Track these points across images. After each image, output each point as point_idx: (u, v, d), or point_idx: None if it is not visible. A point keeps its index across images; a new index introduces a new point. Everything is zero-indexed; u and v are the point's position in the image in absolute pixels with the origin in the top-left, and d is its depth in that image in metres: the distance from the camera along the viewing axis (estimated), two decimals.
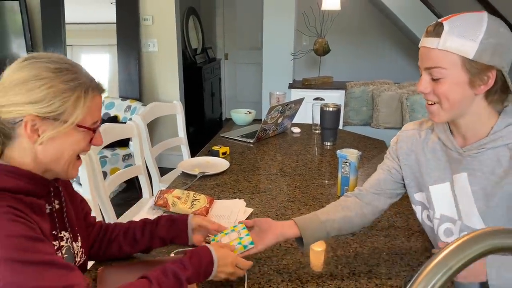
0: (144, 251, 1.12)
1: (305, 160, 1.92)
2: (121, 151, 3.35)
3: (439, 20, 0.95)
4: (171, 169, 2.57)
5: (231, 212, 1.36)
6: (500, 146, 0.95)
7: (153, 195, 2.25)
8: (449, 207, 1.04)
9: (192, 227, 1.11)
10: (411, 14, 3.80)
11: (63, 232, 0.94)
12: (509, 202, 0.94)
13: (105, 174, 3.20)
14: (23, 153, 0.85)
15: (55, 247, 0.90)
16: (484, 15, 0.91)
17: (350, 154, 1.50)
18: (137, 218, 1.29)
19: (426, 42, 0.95)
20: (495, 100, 0.95)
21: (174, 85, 3.89)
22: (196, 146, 2.72)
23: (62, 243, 0.93)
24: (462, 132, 1.01)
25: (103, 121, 3.50)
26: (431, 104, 0.98)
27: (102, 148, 2.85)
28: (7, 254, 0.72)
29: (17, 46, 3.74)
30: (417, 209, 1.13)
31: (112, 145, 3.24)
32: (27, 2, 3.70)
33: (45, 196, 0.90)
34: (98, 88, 0.89)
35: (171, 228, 1.11)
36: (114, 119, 3.59)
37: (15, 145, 0.84)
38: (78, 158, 0.91)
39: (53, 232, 0.91)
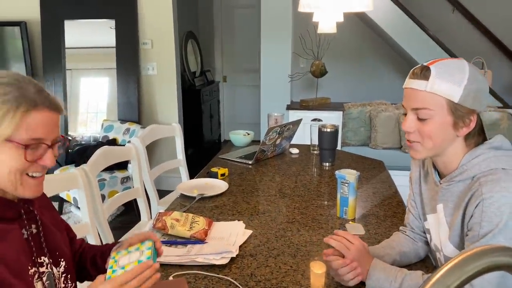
0: None
1: (304, 181, 1.92)
2: (119, 174, 3.34)
3: (425, 64, 1.00)
4: (170, 191, 2.56)
5: (230, 234, 1.35)
6: (467, 178, 0.99)
7: (151, 217, 2.23)
8: (436, 237, 1.09)
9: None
10: (407, 36, 3.87)
11: (42, 258, 0.91)
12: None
13: (103, 197, 3.18)
14: None
15: (36, 274, 0.88)
16: (465, 62, 0.98)
17: (349, 175, 1.50)
18: None
19: (414, 84, 0.99)
20: (473, 142, 1.01)
21: (173, 107, 3.92)
22: (195, 168, 2.72)
23: (42, 269, 0.91)
24: (438, 165, 1.07)
25: (102, 143, 3.51)
26: (413, 142, 1.03)
27: (101, 171, 2.84)
28: None
29: (18, 70, 3.77)
30: (428, 237, 1.18)
31: (111, 168, 3.24)
32: (28, 27, 3.76)
33: (17, 220, 0.88)
34: (43, 104, 0.82)
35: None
36: (112, 142, 3.60)
37: None
38: (31, 176, 0.85)
39: (32, 258, 0.89)
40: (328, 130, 2.10)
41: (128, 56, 3.75)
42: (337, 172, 1.53)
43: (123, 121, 3.74)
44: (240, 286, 1.09)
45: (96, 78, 3.94)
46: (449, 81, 0.95)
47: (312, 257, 1.24)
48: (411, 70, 1.02)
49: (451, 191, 1.02)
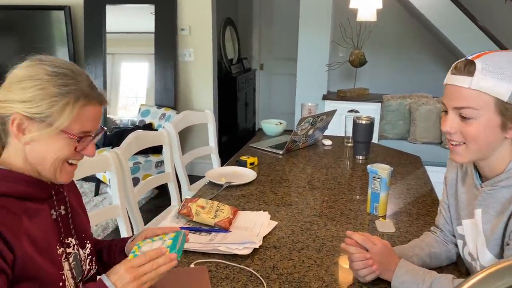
0: None
1: (335, 174, 1.87)
2: (154, 158, 3.40)
3: (469, 57, 0.90)
4: (201, 177, 2.58)
5: (254, 224, 1.33)
6: None
7: (181, 202, 2.25)
8: (472, 245, 1.01)
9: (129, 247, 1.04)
10: (454, 26, 3.67)
11: (69, 239, 0.94)
12: None
13: (138, 180, 3.25)
14: (15, 153, 0.85)
15: (63, 254, 0.90)
16: None
17: (381, 170, 1.44)
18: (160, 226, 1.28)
19: (456, 80, 0.90)
20: None
21: (208, 94, 3.93)
22: (228, 155, 2.72)
23: (69, 249, 0.93)
24: (481, 168, 0.98)
25: (138, 127, 3.58)
26: (456, 144, 0.94)
27: (136, 154, 2.90)
28: None
29: (62, 54, 3.90)
30: (459, 243, 1.10)
31: (146, 152, 3.30)
32: (71, 11, 3.87)
33: (48, 201, 0.90)
34: (96, 99, 0.87)
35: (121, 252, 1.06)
36: (148, 126, 3.66)
37: (10, 144, 0.86)
38: (70, 164, 0.89)
39: (60, 238, 0.91)
40: (363, 122, 2.02)
41: (166, 42, 3.79)
42: (369, 166, 1.48)
43: (159, 106, 3.80)
44: (262, 278, 1.08)
45: (135, 63, 4.01)
46: (498, 77, 0.85)
47: (337, 253, 1.20)
48: (454, 64, 0.92)
49: (493, 196, 0.94)
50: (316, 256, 1.19)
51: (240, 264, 1.14)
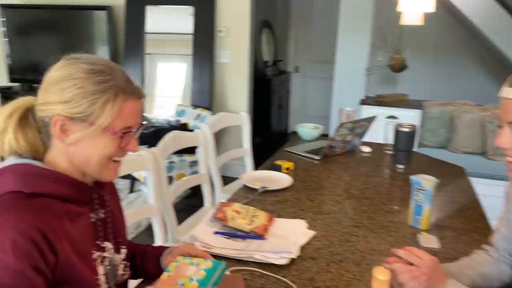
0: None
1: (374, 183, 1.80)
2: (188, 158, 3.42)
3: None
4: (234, 179, 2.57)
5: (291, 232, 1.29)
6: None
7: (214, 204, 2.25)
8: None
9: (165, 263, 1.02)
10: (501, 31, 3.50)
11: (105, 243, 0.93)
12: None
13: (171, 179, 3.28)
14: (59, 155, 0.85)
15: (98, 258, 0.89)
16: None
17: (426, 181, 1.37)
18: (197, 231, 1.27)
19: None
20: None
21: (243, 96, 3.92)
22: (261, 157, 2.69)
23: (105, 254, 0.92)
24: None
25: (174, 127, 3.62)
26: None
27: (171, 154, 2.93)
28: None
29: (102, 54, 3.99)
30: None
31: (180, 151, 3.31)
32: (113, 12, 3.96)
33: (88, 204, 0.89)
34: (134, 93, 0.85)
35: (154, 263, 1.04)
36: (184, 126, 3.69)
37: (53, 146, 0.85)
38: (114, 161, 0.88)
39: (97, 242, 0.90)
40: (406, 130, 1.95)
41: (204, 43, 3.81)
42: (412, 177, 1.41)
43: (195, 106, 3.82)
44: None
45: (172, 63, 4.05)
46: None
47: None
48: (509, 77, 0.86)
49: None
50: (356, 270, 1.13)
51: (276, 274, 1.10)
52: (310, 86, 5.75)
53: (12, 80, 4.28)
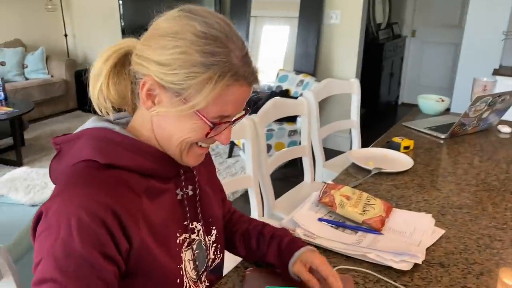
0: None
1: None
2: (288, 126, 3.26)
3: None
4: (335, 151, 2.33)
5: (414, 229, 1.05)
6: None
7: (314, 179, 2.06)
8: None
9: (293, 271, 0.83)
10: None
11: (194, 223, 0.79)
12: None
13: (270, 147, 3.17)
14: (143, 121, 0.71)
15: (186, 241, 0.76)
16: None
17: None
18: (298, 215, 1.09)
19: None
20: None
21: (351, 61, 3.59)
22: (367, 130, 2.41)
23: (194, 236, 0.78)
24: None
25: (275, 93, 3.46)
26: None
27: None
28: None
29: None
30: None
31: (280, 119, 3.16)
32: None
33: (174, 179, 0.75)
34: (247, 77, 0.66)
35: (277, 258, 0.86)
36: (285, 93, 3.52)
37: (139, 109, 0.72)
38: (200, 146, 0.72)
39: (184, 223, 0.76)
40: None
41: (312, 3, 3.52)
42: None
43: (298, 72, 3.61)
44: None
45: (277, 26, 3.86)
46: None
47: None
48: None
49: None
50: None
51: (395, 281, 0.88)
52: (428, 53, 5.12)
53: None
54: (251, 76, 0.67)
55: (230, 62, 0.64)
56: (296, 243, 0.86)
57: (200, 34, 0.64)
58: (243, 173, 3.31)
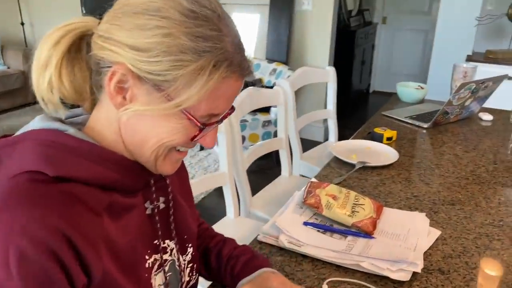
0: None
1: (507, 163, 1.38)
2: (261, 117, 3.14)
3: None
4: (310, 142, 2.24)
5: (408, 230, 0.96)
6: None
7: (292, 173, 1.96)
8: None
9: None
10: None
11: (167, 242, 0.66)
12: None
13: (243, 138, 3.05)
14: (107, 120, 0.57)
15: (156, 263, 0.63)
16: None
17: None
18: (281, 219, 0.98)
19: None
20: None
21: (324, 49, 3.49)
22: (339, 120, 2.33)
23: (166, 256, 0.65)
24: None
25: (247, 84, 3.33)
26: None
27: None
28: None
29: None
30: None
31: (254, 110, 3.05)
32: None
33: (143, 191, 0.62)
34: (243, 68, 0.54)
35: (232, 283, 0.76)
36: (259, 82, 3.39)
37: (102, 105, 0.57)
38: (178, 150, 0.59)
39: (155, 242, 0.63)
40: None
41: None
42: None
43: (270, 60, 3.49)
44: None
45: (247, 14, 3.71)
46: None
47: None
48: None
49: None
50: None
51: None
52: (399, 39, 5.10)
53: None
54: (246, 67, 0.55)
55: (225, 49, 0.51)
56: (248, 266, 0.75)
57: (188, 13, 0.50)
58: (216, 166, 3.18)
